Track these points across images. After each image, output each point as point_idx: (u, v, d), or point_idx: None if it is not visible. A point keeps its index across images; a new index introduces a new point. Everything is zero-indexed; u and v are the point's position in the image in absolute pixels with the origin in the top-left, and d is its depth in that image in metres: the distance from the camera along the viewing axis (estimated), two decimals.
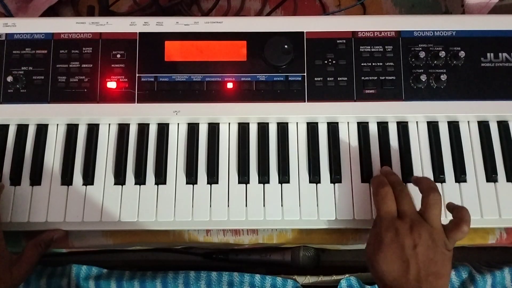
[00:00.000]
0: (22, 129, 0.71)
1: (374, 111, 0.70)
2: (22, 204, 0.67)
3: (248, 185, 0.69)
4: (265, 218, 0.67)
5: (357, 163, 0.70)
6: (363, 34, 0.71)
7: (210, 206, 0.68)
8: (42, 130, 0.71)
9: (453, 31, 0.71)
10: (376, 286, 0.69)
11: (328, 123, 0.71)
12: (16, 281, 0.62)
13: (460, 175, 0.69)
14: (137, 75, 0.70)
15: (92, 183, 0.68)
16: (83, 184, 0.69)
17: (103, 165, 0.69)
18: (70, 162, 0.69)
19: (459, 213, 0.60)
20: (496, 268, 0.72)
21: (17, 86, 0.69)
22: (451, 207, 0.62)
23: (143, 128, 0.71)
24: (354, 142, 0.71)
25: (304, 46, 0.71)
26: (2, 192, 0.66)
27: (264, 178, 0.69)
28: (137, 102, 0.69)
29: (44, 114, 0.69)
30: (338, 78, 0.70)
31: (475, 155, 0.70)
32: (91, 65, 0.70)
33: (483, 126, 0.71)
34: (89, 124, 0.71)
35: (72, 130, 0.71)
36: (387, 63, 0.70)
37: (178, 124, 0.72)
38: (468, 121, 0.72)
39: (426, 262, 0.56)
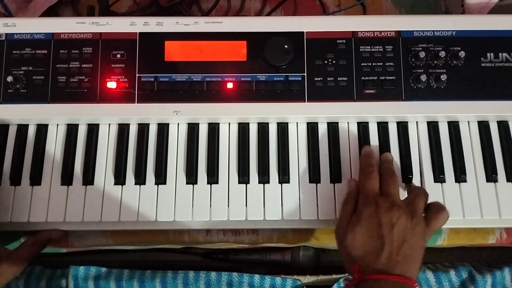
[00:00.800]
0: (22, 129, 0.71)
1: (374, 111, 0.70)
2: (22, 204, 0.67)
3: (248, 185, 0.69)
4: (265, 218, 0.67)
5: (357, 163, 0.69)
6: (363, 34, 0.71)
7: (210, 206, 0.68)
8: (42, 130, 0.71)
9: (453, 31, 0.71)
10: None
11: (328, 123, 0.71)
12: (8, 276, 0.61)
13: (460, 175, 0.69)
14: (137, 75, 0.70)
15: (92, 183, 0.68)
16: (83, 184, 0.68)
17: (103, 165, 0.69)
18: (70, 162, 0.69)
19: (434, 203, 0.61)
20: (496, 268, 0.72)
21: (17, 86, 0.69)
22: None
23: (143, 128, 0.71)
24: (354, 142, 0.71)
25: (304, 46, 0.71)
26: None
27: (264, 178, 0.69)
28: (137, 102, 0.69)
29: (44, 114, 0.69)
30: (338, 78, 0.70)
31: (475, 155, 0.70)
32: (91, 65, 0.70)
33: (483, 126, 0.71)
34: (89, 124, 0.71)
35: (72, 130, 0.71)
36: (387, 63, 0.70)
37: (178, 124, 0.72)
38: (468, 121, 0.72)
39: (400, 243, 0.55)
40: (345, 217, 0.60)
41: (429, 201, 0.62)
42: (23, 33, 0.71)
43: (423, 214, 0.60)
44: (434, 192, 0.67)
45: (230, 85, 0.70)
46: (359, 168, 0.66)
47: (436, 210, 0.60)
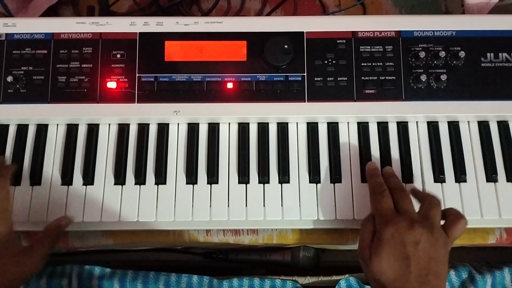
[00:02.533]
0: (22, 129, 0.71)
1: (374, 111, 0.70)
2: (22, 204, 0.67)
3: (248, 185, 0.69)
4: (265, 218, 0.67)
5: (357, 163, 0.70)
6: (363, 34, 0.71)
7: (210, 206, 0.68)
8: (42, 130, 0.71)
9: (453, 31, 0.71)
10: None
11: (328, 123, 0.71)
12: (28, 272, 0.60)
13: (460, 175, 0.69)
14: (137, 75, 0.70)
15: (92, 183, 0.68)
16: (83, 184, 0.69)
17: (103, 165, 0.69)
18: (70, 162, 0.69)
19: (451, 210, 0.60)
20: (496, 268, 0.72)
21: (17, 86, 0.69)
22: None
23: (143, 128, 0.71)
24: (354, 142, 0.71)
25: (304, 46, 0.71)
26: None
27: (264, 178, 0.69)
28: (137, 102, 0.69)
29: (44, 114, 0.69)
30: (338, 78, 0.70)
31: (475, 155, 0.70)
32: (91, 65, 0.70)
33: (483, 126, 0.71)
34: (89, 124, 0.71)
35: (72, 130, 0.71)
36: (387, 63, 0.70)
37: (178, 124, 0.72)
38: (468, 121, 0.72)
39: (427, 260, 0.54)
40: (366, 239, 0.58)
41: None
42: (23, 33, 0.71)
43: (441, 224, 0.59)
44: (434, 192, 0.67)
45: (230, 85, 0.70)
46: (369, 189, 0.65)
47: (454, 219, 0.58)
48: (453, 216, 0.59)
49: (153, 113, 0.69)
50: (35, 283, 0.70)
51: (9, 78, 0.69)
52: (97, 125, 0.71)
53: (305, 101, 0.69)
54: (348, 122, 0.72)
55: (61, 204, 0.67)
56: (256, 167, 0.69)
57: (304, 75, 0.70)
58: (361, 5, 0.85)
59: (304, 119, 0.71)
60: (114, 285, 0.70)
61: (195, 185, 0.69)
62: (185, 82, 0.70)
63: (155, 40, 0.71)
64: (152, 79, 0.70)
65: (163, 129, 0.71)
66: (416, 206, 0.62)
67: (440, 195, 0.68)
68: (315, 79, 0.70)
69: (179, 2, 0.83)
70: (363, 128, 0.71)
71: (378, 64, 0.70)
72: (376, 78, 0.70)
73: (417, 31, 0.71)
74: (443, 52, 0.69)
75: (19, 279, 0.60)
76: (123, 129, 0.71)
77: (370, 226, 0.59)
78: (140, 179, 0.68)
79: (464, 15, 0.78)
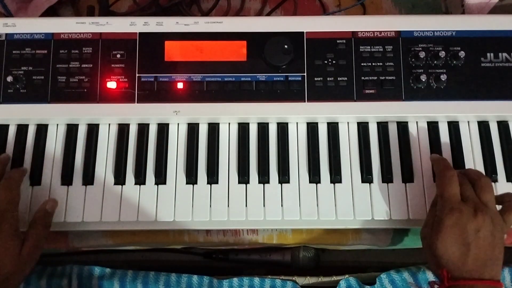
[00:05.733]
0: (22, 129, 0.71)
1: (374, 111, 0.70)
2: (22, 204, 0.67)
3: (248, 185, 0.69)
4: (265, 218, 0.67)
5: (357, 163, 0.70)
6: (363, 34, 0.71)
7: (210, 206, 0.68)
8: (42, 130, 0.71)
9: (453, 31, 0.71)
10: (376, 286, 0.70)
11: (328, 123, 0.71)
12: (25, 263, 0.61)
13: None
14: (137, 75, 0.70)
15: (92, 183, 0.69)
16: (83, 184, 0.69)
17: (103, 165, 0.69)
18: (70, 162, 0.69)
19: (509, 196, 0.61)
20: None
21: (17, 86, 0.69)
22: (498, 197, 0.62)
23: (143, 128, 0.71)
24: (354, 142, 0.71)
25: (304, 46, 0.70)
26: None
27: (264, 178, 0.69)
28: (137, 102, 0.69)
29: (44, 114, 0.69)
30: (338, 78, 0.70)
31: (475, 155, 0.70)
32: (91, 65, 0.70)
33: (483, 126, 0.71)
34: (89, 124, 0.71)
35: (72, 130, 0.71)
36: (387, 63, 0.70)
37: (178, 124, 0.72)
38: (468, 121, 0.72)
39: (486, 247, 0.57)
40: (431, 220, 0.61)
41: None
42: (23, 33, 0.71)
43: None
44: (434, 192, 0.67)
45: (230, 85, 0.69)
46: (436, 172, 0.65)
47: (511, 205, 0.60)
48: (510, 203, 0.60)
49: (153, 113, 0.69)
50: (35, 283, 0.70)
51: (9, 78, 0.69)
52: (97, 125, 0.71)
53: (305, 101, 0.69)
54: (348, 122, 0.72)
55: (61, 204, 0.67)
56: (256, 167, 0.69)
57: (304, 75, 0.70)
58: (361, 5, 0.85)
59: (304, 119, 0.71)
60: (114, 285, 0.70)
61: (195, 185, 0.69)
62: (185, 82, 0.70)
63: (155, 40, 0.71)
64: (152, 79, 0.70)
65: (163, 129, 0.71)
66: None
67: None
68: (315, 79, 0.70)
69: (179, 2, 0.83)
70: (363, 128, 0.71)
71: (378, 64, 0.70)
72: (376, 78, 0.70)
73: (417, 31, 0.71)
74: (443, 52, 0.69)
75: (16, 273, 0.60)
76: (123, 129, 0.71)
77: (435, 210, 0.61)
78: (140, 179, 0.68)
79: (464, 15, 0.78)
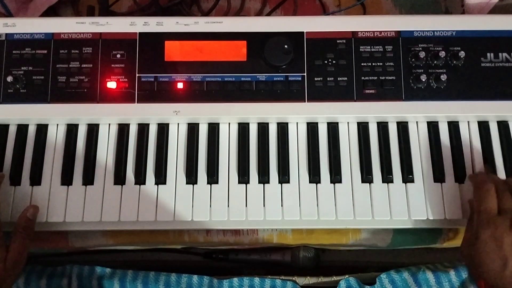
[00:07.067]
0: (22, 129, 0.71)
1: (374, 111, 0.70)
2: (22, 204, 0.67)
3: (248, 185, 0.69)
4: (265, 218, 0.67)
5: (357, 163, 0.70)
6: (363, 34, 0.71)
7: (210, 206, 0.68)
8: (42, 130, 0.71)
9: (453, 31, 0.71)
10: (376, 286, 0.70)
11: (328, 123, 0.71)
12: (11, 269, 0.61)
13: (460, 175, 0.69)
14: (137, 75, 0.70)
15: (92, 183, 0.68)
16: (83, 184, 0.69)
17: (103, 165, 0.69)
18: (70, 162, 0.69)
19: None
20: None
21: (17, 86, 0.69)
22: None
23: (143, 128, 0.71)
24: (354, 142, 0.71)
25: (304, 46, 0.71)
26: (1, 185, 0.66)
27: (264, 178, 0.69)
28: (137, 102, 0.69)
29: (44, 114, 0.69)
30: (338, 78, 0.70)
31: (474, 155, 0.70)
32: (91, 65, 0.70)
33: (483, 126, 0.71)
34: (89, 124, 0.71)
35: (72, 130, 0.71)
36: (387, 63, 0.70)
37: (178, 124, 0.72)
38: (468, 121, 0.72)
39: None
40: (468, 234, 0.62)
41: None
42: (23, 33, 0.71)
43: None
44: (434, 192, 0.67)
45: (230, 85, 0.69)
46: (473, 186, 0.64)
47: None
48: None
49: (153, 113, 0.69)
50: (35, 283, 0.70)
51: (9, 78, 0.69)
52: (97, 125, 0.71)
53: (305, 101, 0.69)
54: (348, 122, 0.72)
55: (61, 204, 0.67)
56: (256, 167, 0.69)
57: (304, 75, 0.70)
58: (361, 5, 0.85)
59: (304, 119, 0.71)
60: (114, 285, 0.70)
61: (195, 185, 0.69)
62: (185, 82, 0.70)
63: (155, 40, 0.71)
64: (152, 79, 0.70)
65: (163, 129, 0.71)
66: None
67: (440, 195, 0.68)
68: (315, 79, 0.70)
69: (179, 2, 0.83)
70: (363, 128, 0.71)
71: (378, 64, 0.70)
72: (376, 78, 0.70)
73: (417, 31, 0.71)
74: (443, 52, 0.69)
75: (3, 280, 0.60)
76: (123, 129, 0.71)
77: (472, 224, 0.62)
78: (140, 179, 0.68)
79: (464, 15, 0.78)
